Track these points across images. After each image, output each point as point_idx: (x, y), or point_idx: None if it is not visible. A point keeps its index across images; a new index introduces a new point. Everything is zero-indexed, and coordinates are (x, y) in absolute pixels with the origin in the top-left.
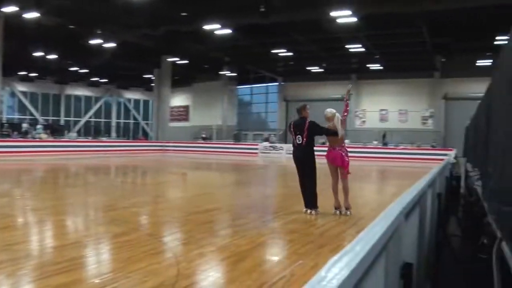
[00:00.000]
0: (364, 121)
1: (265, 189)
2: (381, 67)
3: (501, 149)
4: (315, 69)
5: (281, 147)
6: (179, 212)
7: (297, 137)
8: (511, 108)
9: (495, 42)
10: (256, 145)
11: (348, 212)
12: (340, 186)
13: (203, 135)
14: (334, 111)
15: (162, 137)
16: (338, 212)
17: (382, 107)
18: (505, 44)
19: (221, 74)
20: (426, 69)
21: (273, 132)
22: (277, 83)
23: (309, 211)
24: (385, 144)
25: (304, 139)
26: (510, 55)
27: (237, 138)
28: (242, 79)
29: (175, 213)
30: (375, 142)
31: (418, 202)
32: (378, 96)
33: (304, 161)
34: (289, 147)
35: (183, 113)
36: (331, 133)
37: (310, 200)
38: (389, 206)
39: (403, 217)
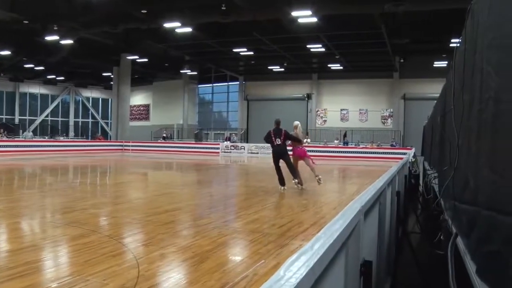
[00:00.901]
0: (325, 121)
1: (227, 189)
2: (342, 67)
3: (455, 147)
4: (276, 68)
5: (242, 146)
6: (139, 213)
7: (276, 139)
8: (463, 107)
9: (450, 45)
10: (218, 144)
11: (320, 177)
12: (308, 169)
13: (164, 135)
14: (298, 123)
15: (122, 136)
16: (299, 185)
17: (342, 106)
18: (457, 46)
19: (181, 72)
20: (386, 70)
21: (235, 132)
22: (238, 82)
23: (295, 180)
24: (345, 143)
25: (281, 141)
26: (461, 57)
27: (198, 138)
28: (203, 78)
29: (135, 214)
30: (336, 141)
31: (377, 200)
32: (339, 96)
33: (282, 153)
34: (250, 146)
35: (143, 112)
36: (297, 140)
37: (293, 172)
38: (349, 204)
39: (362, 215)
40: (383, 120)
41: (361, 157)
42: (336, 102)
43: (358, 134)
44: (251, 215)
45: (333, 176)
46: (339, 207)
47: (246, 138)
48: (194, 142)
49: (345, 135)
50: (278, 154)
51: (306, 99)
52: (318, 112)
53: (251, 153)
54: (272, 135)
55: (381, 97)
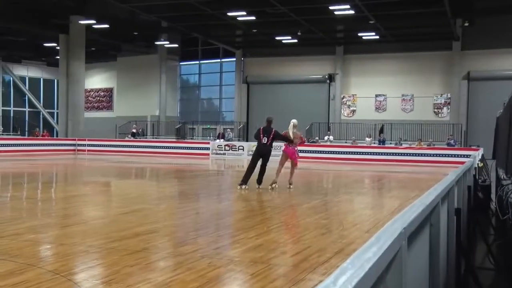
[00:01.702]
0: (353, 111)
1: (219, 204)
2: (377, 37)
3: None
4: (286, 39)
5: (240, 146)
6: (98, 238)
7: (264, 138)
8: None
9: None
10: (207, 143)
11: (291, 186)
12: (287, 170)
13: (134, 130)
14: (292, 121)
15: (75, 132)
16: (273, 186)
17: (378, 91)
18: None
19: (157, 45)
20: (441, 38)
21: (230, 126)
22: (234, 59)
23: (257, 186)
24: (382, 141)
25: (269, 141)
26: None
27: (180, 134)
28: (186, 53)
29: (93, 239)
30: (369, 140)
31: (427, 220)
32: (372, 77)
33: (265, 154)
34: (251, 146)
35: (104, 99)
36: (287, 140)
37: (261, 179)
38: (387, 225)
39: (405, 241)
40: (436, 110)
41: (404, 161)
42: (369, 85)
43: (399, 130)
44: (252, 240)
45: (365, 187)
46: (374, 229)
47: (245, 135)
48: (174, 140)
49: (381, 131)
50: (261, 153)
51: (328, 81)
52: (344, 100)
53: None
54: (261, 133)
55: (434, 78)
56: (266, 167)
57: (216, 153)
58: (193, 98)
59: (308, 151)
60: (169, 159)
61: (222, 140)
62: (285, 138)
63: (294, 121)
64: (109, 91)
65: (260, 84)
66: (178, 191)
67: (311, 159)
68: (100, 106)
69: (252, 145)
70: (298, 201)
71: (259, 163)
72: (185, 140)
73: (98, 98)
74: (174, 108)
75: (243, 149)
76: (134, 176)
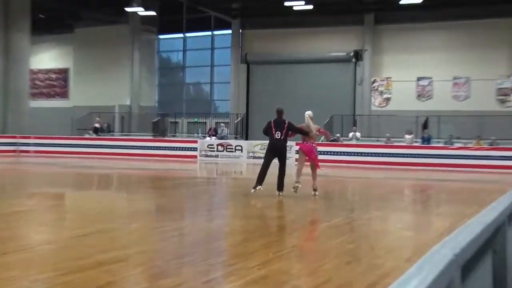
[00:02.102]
0: (387, 99)
1: (210, 223)
2: (419, 0)
3: None
4: (298, 5)
5: (238, 146)
6: (46, 270)
7: (276, 133)
8: None
9: None
10: (194, 142)
11: (316, 193)
12: (307, 170)
13: (97, 125)
14: (307, 113)
15: (16, 127)
16: (296, 186)
17: (421, 73)
18: None
19: (128, 12)
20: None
21: (224, 120)
22: (230, 31)
23: (278, 193)
24: (427, 140)
25: (283, 135)
26: None
27: (159, 131)
28: (167, 23)
29: (39, 271)
30: (409, 137)
31: (489, 245)
32: (413, 54)
33: (281, 151)
34: (251, 146)
35: (57, 84)
36: (304, 133)
37: (281, 184)
38: (432, 250)
39: (458, 271)
40: (500, 97)
41: (456, 165)
42: (409, 65)
43: (450, 124)
44: (254, 270)
45: (404, 201)
46: (416, 256)
47: (244, 132)
48: (151, 138)
49: (425, 126)
50: (276, 149)
51: (353, 60)
52: (376, 85)
53: (254, 157)
54: (273, 127)
55: (499, 54)
56: (284, 169)
57: (206, 155)
58: (176, 83)
59: (327, 152)
60: (144, 163)
61: (214, 138)
62: (301, 131)
63: (309, 112)
64: (64, 73)
65: (264, 65)
66: (156, 206)
67: (332, 163)
68: (52, 93)
69: (254, 145)
70: (315, 218)
71: (275, 162)
72: (165, 138)
73: (49, 82)
74: (150, 96)
75: (241, 150)
76: (96, 185)
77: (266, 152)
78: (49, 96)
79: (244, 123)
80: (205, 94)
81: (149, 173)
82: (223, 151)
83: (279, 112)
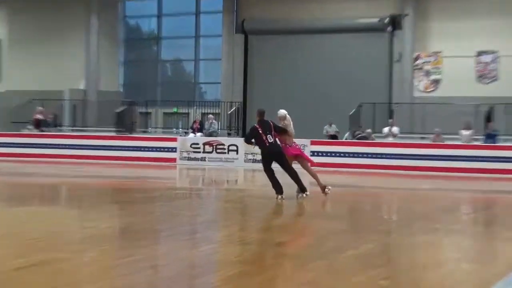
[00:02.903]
0: (436, 82)
1: (193, 250)
2: None
3: None
4: None
5: (232, 145)
6: None
7: (267, 137)
8: None
9: None
10: (173, 140)
11: (327, 189)
12: (304, 171)
13: (39, 116)
14: (286, 112)
15: None
16: (304, 194)
17: (482, 46)
18: None
19: None
20: None
21: (214, 110)
22: None
23: (304, 194)
24: (491, 137)
25: (274, 137)
26: None
27: (124, 124)
28: None
29: None
30: (466, 133)
31: None
32: (471, 20)
33: (279, 153)
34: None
35: None
36: (285, 131)
37: (301, 185)
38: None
39: None
40: None
41: None
42: (466, 35)
43: None
44: None
45: (460, 221)
46: None
47: (240, 126)
48: (114, 135)
49: (488, 118)
50: (275, 154)
51: (390, 29)
52: (419, 62)
53: (254, 160)
54: (261, 131)
55: None
56: (291, 168)
57: (189, 158)
58: (148, 60)
59: (352, 154)
60: (104, 169)
61: (199, 134)
62: (283, 129)
63: (282, 111)
64: None
65: (267, 35)
66: (120, 227)
67: (360, 169)
68: None
69: (253, 144)
70: (337, 244)
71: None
72: (133, 135)
73: None
74: (113, 78)
75: (236, 151)
76: (39, 200)
77: (264, 161)
78: None
79: (240, 115)
80: (187, 75)
81: (111, 183)
82: (212, 152)
83: (262, 114)
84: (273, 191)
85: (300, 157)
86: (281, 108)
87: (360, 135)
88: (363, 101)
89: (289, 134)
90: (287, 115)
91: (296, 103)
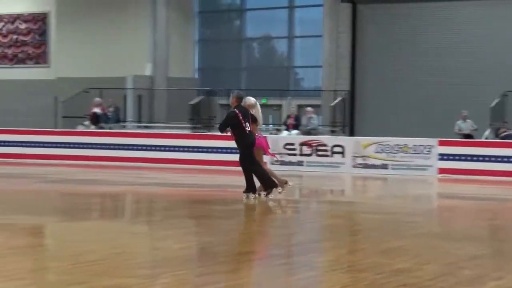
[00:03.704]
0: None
1: (291, 276)
2: None
3: None
4: None
5: (337, 146)
6: None
7: (246, 124)
8: None
9: None
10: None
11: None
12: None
13: (96, 110)
14: (255, 100)
15: None
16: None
17: None
18: None
19: None
20: None
21: (313, 102)
22: None
23: (279, 189)
24: None
25: (250, 126)
26: None
27: (200, 119)
28: None
29: None
30: None
31: None
32: None
33: (253, 146)
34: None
35: (30, 41)
36: (256, 120)
37: (264, 176)
38: None
39: None
40: None
41: None
42: None
43: None
44: None
45: None
46: None
47: (348, 122)
48: (188, 133)
49: None
50: (252, 146)
51: None
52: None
53: (366, 166)
54: (241, 118)
55: None
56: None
57: (282, 162)
58: (230, 39)
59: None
60: (176, 175)
61: (294, 132)
62: (254, 117)
63: (251, 98)
64: (40, 21)
65: (382, 3)
66: (198, 248)
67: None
68: (21, 57)
69: (364, 144)
70: (475, 273)
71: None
72: (212, 134)
73: (16, 36)
74: (186, 62)
75: (342, 153)
76: (99, 213)
77: (246, 153)
78: (15, 61)
79: (347, 108)
80: (279, 57)
81: (185, 193)
82: (311, 154)
83: (241, 99)
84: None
85: (266, 153)
86: (389, 96)
87: (505, 133)
88: (509, 89)
89: (258, 123)
90: (257, 103)
91: (419, 92)
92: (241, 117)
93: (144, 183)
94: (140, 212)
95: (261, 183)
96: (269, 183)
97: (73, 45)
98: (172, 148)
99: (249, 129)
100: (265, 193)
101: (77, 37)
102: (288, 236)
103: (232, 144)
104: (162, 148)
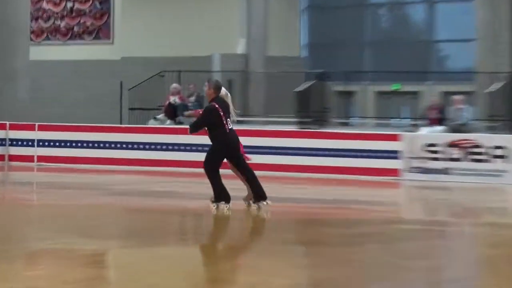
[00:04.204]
0: None
1: None
2: None
3: None
4: None
5: (499, 148)
6: None
7: (227, 120)
8: None
9: None
10: (393, 138)
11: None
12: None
13: (173, 99)
14: (226, 90)
15: (7, 106)
16: (251, 203)
17: None
18: None
19: None
20: None
21: (463, 89)
22: None
23: (265, 202)
24: None
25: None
26: None
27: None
28: None
29: None
30: None
31: None
32: None
33: (237, 146)
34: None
35: (89, 11)
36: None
37: (261, 188)
38: None
39: None
40: None
41: None
42: None
43: None
44: None
45: None
46: None
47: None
48: (294, 130)
49: None
50: (234, 146)
51: None
52: None
53: None
54: (223, 114)
55: None
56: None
57: (423, 169)
58: (348, 5)
59: None
60: (274, 185)
61: (439, 128)
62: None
63: (222, 88)
64: None
65: None
66: (310, 285)
67: None
68: (77, 31)
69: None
70: None
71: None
72: (325, 131)
73: (71, 5)
74: (290, 37)
75: (505, 157)
76: (177, 236)
77: (215, 155)
78: (69, 35)
79: (509, 95)
80: (415, 28)
81: (290, 210)
82: (461, 159)
83: (219, 88)
84: None
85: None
86: None
87: None
88: None
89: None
90: (228, 93)
91: None
92: (221, 112)
93: (240, 196)
94: (230, 235)
95: (216, 193)
96: (218, 195)
97: (143, 16)
98: (272, 150)
99: (231, 126)
100: (227, 205)
101: (148, 5)
102: (433, 271)
103: (354, 145)
104: (261, 150)
